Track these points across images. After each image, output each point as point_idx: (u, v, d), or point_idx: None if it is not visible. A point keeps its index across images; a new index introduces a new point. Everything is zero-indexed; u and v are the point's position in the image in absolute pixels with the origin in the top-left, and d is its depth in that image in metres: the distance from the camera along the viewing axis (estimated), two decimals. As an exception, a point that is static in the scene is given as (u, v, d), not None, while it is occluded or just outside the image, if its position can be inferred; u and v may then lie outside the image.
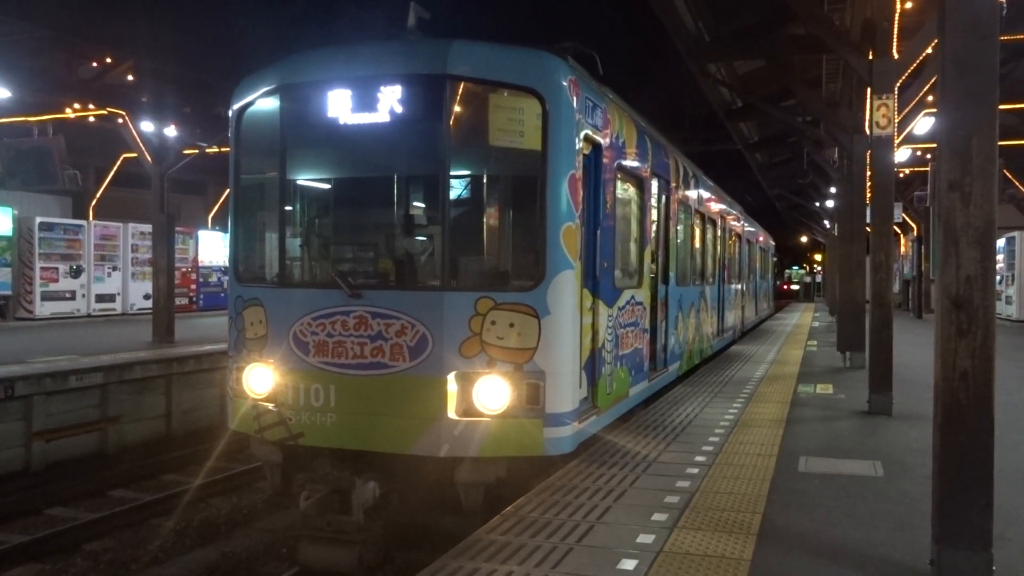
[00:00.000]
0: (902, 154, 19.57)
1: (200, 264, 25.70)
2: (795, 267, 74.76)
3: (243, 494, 9.93)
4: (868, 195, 10.93)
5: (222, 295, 24.51)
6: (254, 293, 6.61)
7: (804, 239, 67.58)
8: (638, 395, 8.44)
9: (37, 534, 8.31)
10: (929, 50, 9.15)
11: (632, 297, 8.02)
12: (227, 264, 7.36)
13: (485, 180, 6.89)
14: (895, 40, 9.24)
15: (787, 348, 17.32)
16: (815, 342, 19.03)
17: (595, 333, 6.71)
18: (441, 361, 5.85)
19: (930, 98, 12.99)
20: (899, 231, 34.77)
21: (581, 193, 6.21)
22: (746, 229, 20.28)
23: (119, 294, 23.05)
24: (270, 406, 6.33)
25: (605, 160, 6.94)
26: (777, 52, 15.46)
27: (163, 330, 15.84)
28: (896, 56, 9.16)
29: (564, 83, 5.99)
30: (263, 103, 6.71)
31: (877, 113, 8.83)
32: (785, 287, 67.21)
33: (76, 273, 21.77)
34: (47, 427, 10.76)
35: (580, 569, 4.20)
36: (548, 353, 5.83)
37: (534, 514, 5.09)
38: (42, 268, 20.94)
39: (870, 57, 9.22)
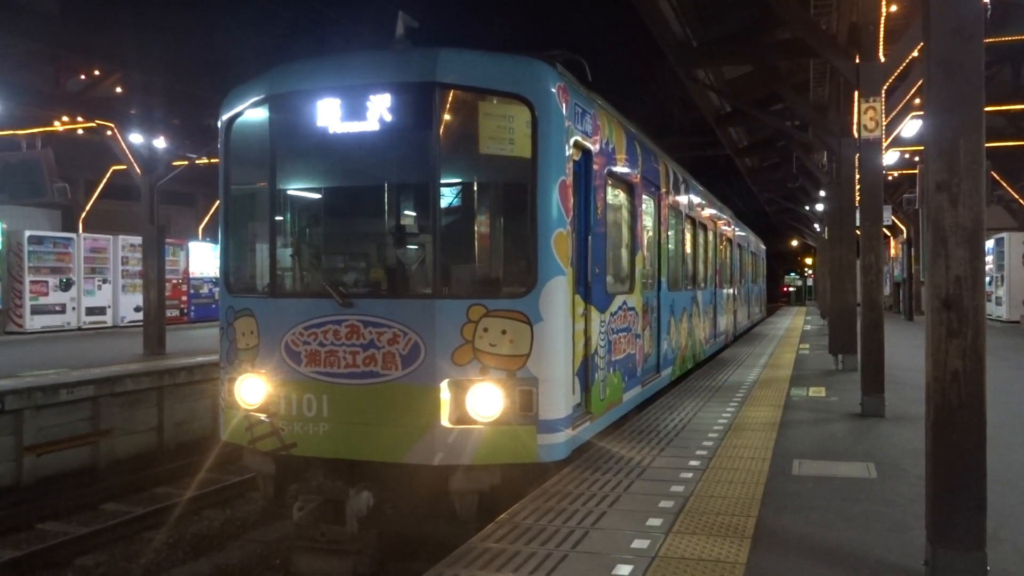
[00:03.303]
0: (890, 157, 19.66)
1: (191, 276, 25.62)
2: (791, 273, 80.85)
3: (236, 505, 9.88)
4: (857, 198, 10.96)
5: (213, 306, 24.43)
6: (245, 303, 6.59)
7: (795, 243, 68.15)
8: (631, 400, 8.44)
9: (28, 549, 8.25)
10: (915, 53, 9.20)
11: (624, 303, 8.02)
12: (218, 275, 7.34)
13: (475, 188, 6.90)
14: (881, 43, 9.29)
15: (779, 351, 17.36)
16: (807, 345, 19.08)
17: (587, 339, 6.71)
18: (434, 369, 5.84)
19: (917, 101, 13.06)
20: (889, 234, 34.92)
21: (572, 199, 6.22)
22: (737, 234, 20.33)
23: (109, 307, 22.95)
24: (262, 417, 6.30)
25: (595, 166, 6.95)
26: (765, 57, 15.52)
27: (154, 342, 15.78)
28: (882, 59, 9.21)
29: (553, 90, 6.01)
30: (252, 113, 6.70)
31: (865, 116, 8.87)
32: (784, 289, 77.00)
33: (66, 286, 21.68)
34: (38, 441, 10.69)
35: (575, 575, 4.19)
36: (541, 359, 5.82)
37: (528, 521, 5.08)
38: (32, 282, 20.84)
39: (857, 61, 9.27)
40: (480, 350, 5.81)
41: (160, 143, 16.53)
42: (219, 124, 6.95)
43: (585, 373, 6.68)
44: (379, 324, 5.98)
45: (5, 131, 16.92)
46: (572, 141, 6.26)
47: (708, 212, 14.86)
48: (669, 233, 10.74)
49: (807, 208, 35.75)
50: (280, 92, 6.55)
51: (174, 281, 24.21)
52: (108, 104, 16.63)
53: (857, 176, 10.57)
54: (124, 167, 16.79)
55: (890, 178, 24.43)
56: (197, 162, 17.94)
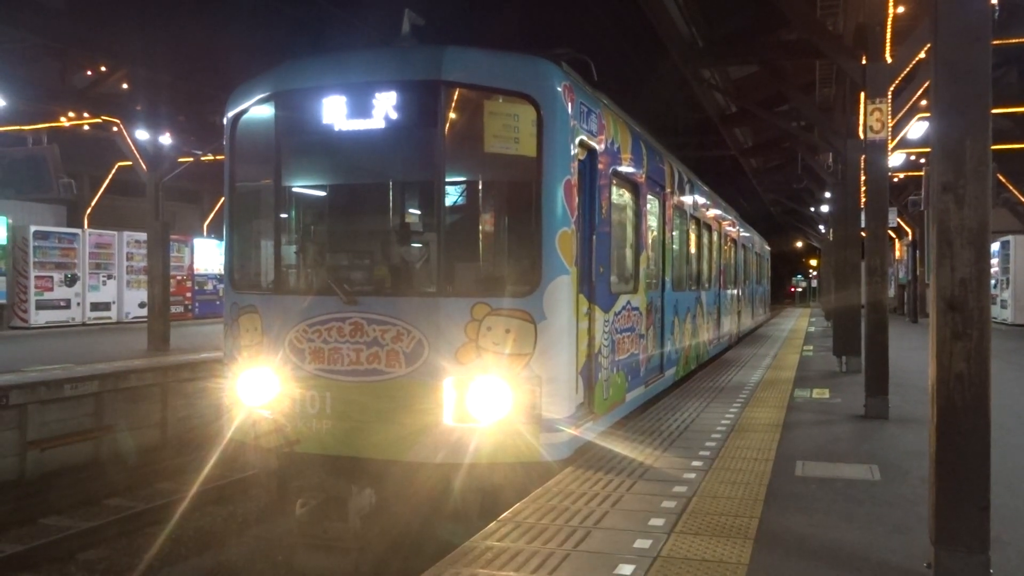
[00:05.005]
0: (896, 158, 19.59)
1: (195, 272, 25.66)
2: (798, 276, 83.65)
3: (239, 502, 9.89)
4: (862, 200, 10.94)
5: (217, 303, 24.45)
6: (249, 300, 6.60)
7: (799, 244, 68.11)
8: (635, 400, 8.43)
9: (32, 543, 8.26)
10: (922, 54, 9.18)
11: (628, 302, 8.02)
12: (222, 272, 7.36)
13: (480, 186, 6.90)
14: (888, 45, 9.27)
15: (783, 353, 17.33)
16: (811, 347, 19.04)
17: (591, 338, 6.71)
18: (437, 367, 5.84)
19: (923, 102, 13.03)
20: (894, 235, 34.84)
21: (576, 199, 6.21)
22: (741, 234, 20.31)
23: (114, 302, 23.00)
24: (266, 413, 6.31)
25: (600, 165, 6.95)
26: (771, 57, 15.50)
27: (158, 338, 15.81)
28: (889, 60, 9.18)
29: (559, 89, 6.00)
30: (257, 110, 6.71)
31: (871, 117, 8.85)
32: (792, 289, 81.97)
33: (71, 282, 21.72)
34: (42, 436, 10.72)
35: (577, 575, 4.19)
36: (544, 359, 5.82)
37: (530, 520, 5.07)
38: (37, 277, 20.89)
39: (863, 62, 9.25)
40: (483, 349, 5.81)
41: (165, 139, 16.57)
42: (224, 121, 6.95)
43: (588, 372, 6.68)
44: (383, 322, 5.98)
45: (11, 126, 16.95)
46: (577, 140, 6.25)
47: (713, 212, 14.84)
48: (673, 233, 10.73)
49: (812, 209, 35.68)
50: (285, 89, 6.55)
51: (178, 277, 24.25)
52: (114, 100, 16.67)
53: (862, 177, 10.55)
54: (129, 163, 16.84)
55: (896, 180, 24.34)
56: (202, 159, 17.97)
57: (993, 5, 4.01)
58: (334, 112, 6.28)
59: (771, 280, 34.83)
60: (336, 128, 6.29)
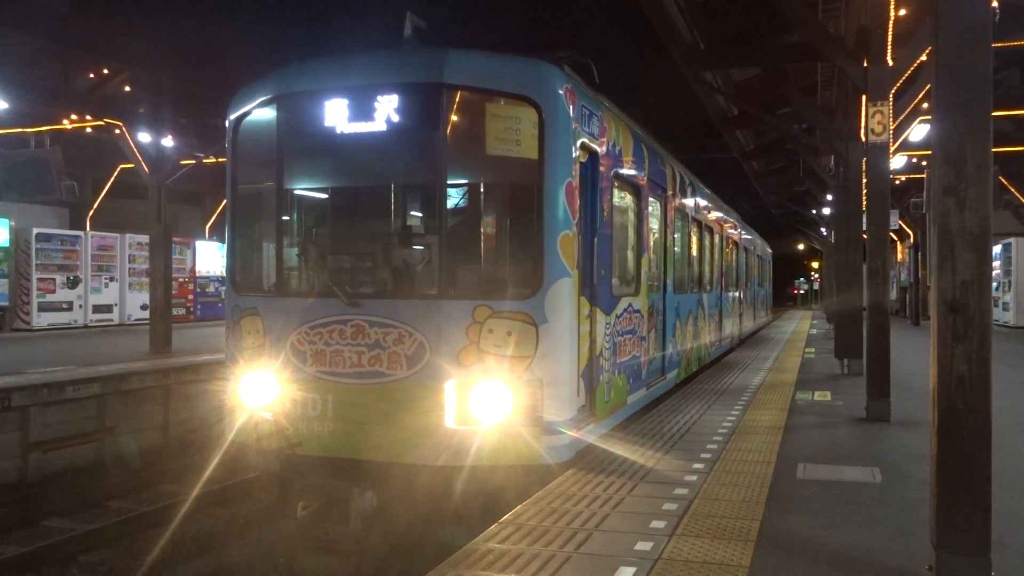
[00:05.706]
0: (898, 161, 19.60)
1: (197, 274, 25.69)
2: (800, 279, 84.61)
3: (240, 504, 9.89)
4: (864, 202, 10.95)
5: (219, 305, 24.50)
6: (251, 303, 6.61)
7: (801, 246, 68.14)
8: (636, 403, 8.43)
9: (34, 545, 8.27)
10: (923, 57, 9.19)
11: (629, 305, 8.02)
12: (224, 274, 7.38)
13: (482, 189, 6.91)
14: (889, 47, 9.28)
15: (785, 355, 17.32)
16: (813, 349, 19.02)
17: (593, 341, 6.71)
18: (438, 370, 5.85)
19: (925, 105, 13.04)
20: (896, 238, 34.83)
21: (578, 201, 6.22)
22: (743, 237, 20.30)
23: (116, 305, 23.03)
24: (268, 416, 6.32)
25: (602, 168, 6.95)
26: (773, 60, 15.52)
27: (160, 340, 15.82)
28: (891, 63, 9.19)
29: (560, 92, 6.01)
30: (260, 113, 6.73)
31: (872, 120, 8.86)
32: (794, 291, 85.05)
33: (73, 284, 21.74)
34: (44, 438, 10.73)
35: (579, 577, 4.19)
36: (546, 361, 5.82)
37: (532, 522, 5.08)
38: (39, 279, 20.91)
39: (865, 64, 9.25)
40: (485, 351, 5.81)
41: (168, 142, 16.60)
42: (227, 123, 6.97)
43: (590, 375, 6.68)
44: (385, 324, 5.99)
45: (14, 129, 16.99)
46: (579, 143, 6.26)
47: (714, 215, 14.84)
48: (675, 236, 10.73)
49: (814, 211, 35.71)
50: (288, 92, 6.57)
51: (180, 279, 24.28)
52: (116, 103, 16.70)
53: (864, 180, 10.55)
54: (132, 165, 16.86)
55: (897, 182, 24.35)
56: (204, 161, 17.99)
57: (994, 8, 4.01)
58: (336, 115, 6.29)
59: (773, 282, 34.80)
60: (338, 131, 6.31)
